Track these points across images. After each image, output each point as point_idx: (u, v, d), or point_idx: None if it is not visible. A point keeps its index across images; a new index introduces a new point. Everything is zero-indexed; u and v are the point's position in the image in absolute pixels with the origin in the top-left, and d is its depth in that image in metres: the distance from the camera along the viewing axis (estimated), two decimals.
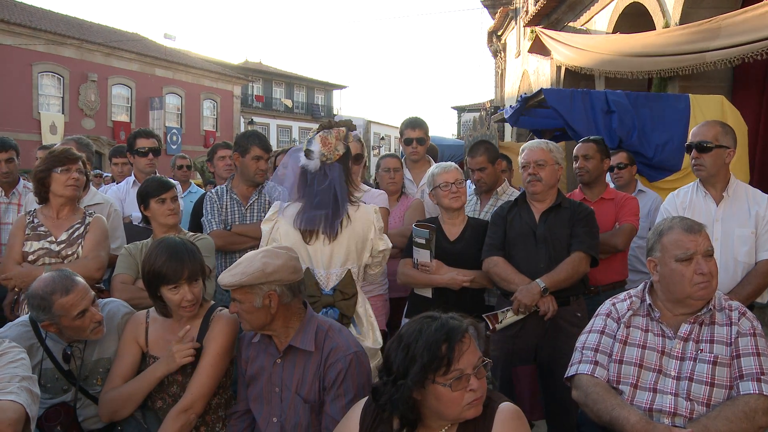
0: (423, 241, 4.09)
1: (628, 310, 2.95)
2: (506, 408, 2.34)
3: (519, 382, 3.84)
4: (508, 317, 3.92)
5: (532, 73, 17.13)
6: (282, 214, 3.54)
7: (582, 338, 2.99)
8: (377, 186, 5.01)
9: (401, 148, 5.66)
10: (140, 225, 4.33)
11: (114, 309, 3.39)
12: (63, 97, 29.98)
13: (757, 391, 2.59)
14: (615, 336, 2.91)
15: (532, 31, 14.23)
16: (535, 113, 8.61)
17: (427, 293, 4.19)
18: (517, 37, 19.88)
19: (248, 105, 44.78)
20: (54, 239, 3.95)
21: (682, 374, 2.74)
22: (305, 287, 3.09)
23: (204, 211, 4.62)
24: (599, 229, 4.11)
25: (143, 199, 4.01)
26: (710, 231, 3.29)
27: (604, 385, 2.81)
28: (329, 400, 2.84)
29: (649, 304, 2.91)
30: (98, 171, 11.47)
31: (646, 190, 5.46)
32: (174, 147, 31.56)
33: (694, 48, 7.40)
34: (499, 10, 21.77)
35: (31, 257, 3.92)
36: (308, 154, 3.49)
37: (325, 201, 3.41)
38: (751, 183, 4.99)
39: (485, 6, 23.59)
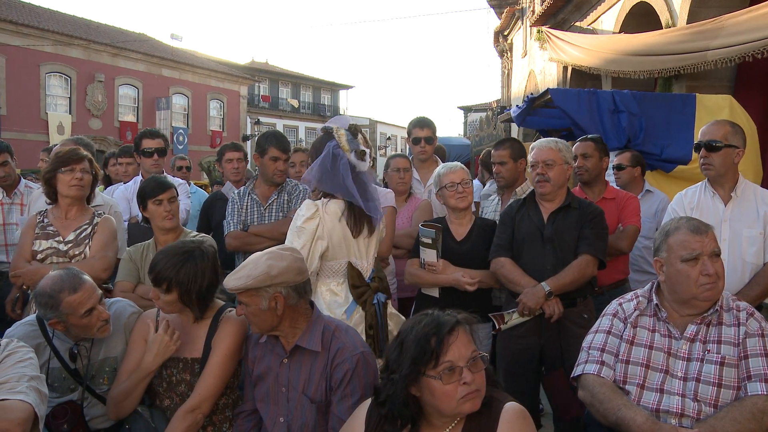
0: (429, 241, 4.09)
1: (635, 310, 2.95)
2: (511, 407, 2.33)
3: (553, 388, 3.84)
4: (514, 318, 3.91)
5: (538, 73, 17.10)
6: (325, 212, 3.60)
7: (588, 338, 2.99)
8: (385, 185, 5.01)
9: (408, 147, 5.67)
10: (145, 225, 4.34)
11: (120, 308, 3.40)
12: (70, 98, 30.08)
13: (765, 392, 2.58)
14: (622, 336, 2.90)
15: (538, 31, 14.23)
16: (541, 113, 8.61)
17: (434, 293, 4.19)
18: (523, 37, 19.85)
19: (255, 105, 44.84)
20: (62, 239, 3.98)
21: (689, 375, 2.73)
22: (311, 288, 3.10)
23: (226, 212, 4.65)
24: (609, 230, 4.08)
25: (142, 199, 4.05)
26: (718, 231, 3.28)
27: (611, 385, 2.80)
28: (336, 400, 2.84)
29: (656, 305, 2.90)
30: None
31: (653, 191, 5.42)
32: (180, 147, 31.64)
33: (696, 47, 7.41)
34: (505, 10, 21.73)
35: (39, 256, 3.95)
36: (362, 155, 3.65)
37: (375, 196, 3.70)
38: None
39: (492, 6, 23.56)
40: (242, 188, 4.83)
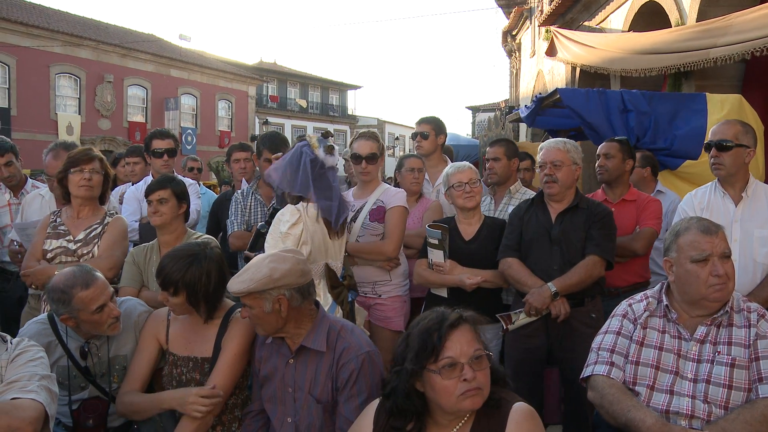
0: (436, 242, 4.09)
1: (645, 311, 2.93)
2: (520, 408, 2.33)
3: (548, 384, 3.84)
4: (521, 318, 3.91)
5: (547, 72, 17.06)
6: (307, 215, 3.62)
7: (598, 339, 2.97)
8: (396, 185, 5.02)
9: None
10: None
11: (130, 307, 3.43)
12: (79, 98, 30.21)
13: None
14: (631, 337, 2.89)
15: (547, 31, 14.18)
16: (550, 113, 8.58)
17: (443, 293, 4.19)
18: (531, 36, 19.80)
19: (263, 105, 44.91)
20: (72, 238, 4.02)
21: (699, 376, 2.71)
22: (314, 289, 3.10)
23: (229, 212, 4.66)
24: (617, 230, 4.07)
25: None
26: (728, 232, 3.25)
27: (620, 387, 2.79)
28: (342, 400, 2.84)
29: (666, 305, 2.88)
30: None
31: (665, 191, 5.39)
32: (189, 147, 31.73)
33: (703, 45, 7.38)
34: (513, 10, 21.68)
35: (49, 255, 3.99)
36: (331, 150, 3.70)
37: (338, 195, 3.72)
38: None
39: (500, 6, 23.50)
40: (245, 188, 4.86)
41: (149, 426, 3.18)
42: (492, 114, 20.06)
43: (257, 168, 4.97)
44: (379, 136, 4.65)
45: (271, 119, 42.74)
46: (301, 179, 3.62)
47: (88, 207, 4.11)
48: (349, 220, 4.43)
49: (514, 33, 23.17)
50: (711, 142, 3.94)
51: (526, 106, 8.90)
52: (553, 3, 13.89)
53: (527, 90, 20.20)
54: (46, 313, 3.39)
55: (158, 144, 5.57)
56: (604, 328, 3.00)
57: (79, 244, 3.99)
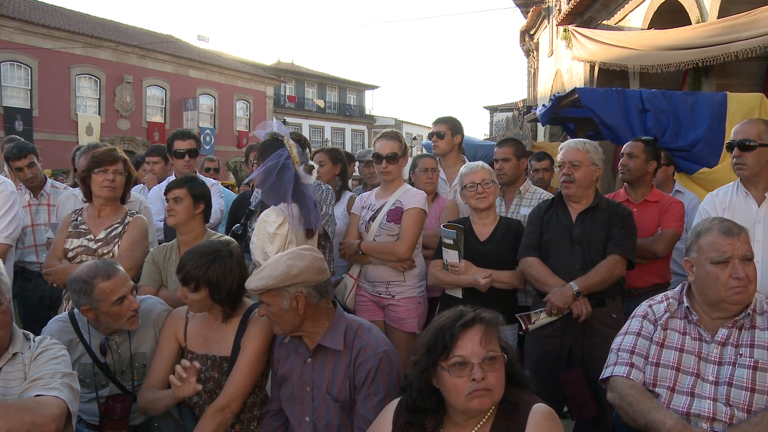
0: (451, 242, 4.07)
1: (665, 312, 2.90)
2: (540, 409, 2.32)
3: (568, 386, 3.81)
4: (542, 318, 3.89)
5: (565, 72, 16.97)
6: (291, 216, 3.77)
7: (618, 340, 2.95)
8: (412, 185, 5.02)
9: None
10: None
11: (150, 305, 3.46)
12: (99, 99, 30.49)
13: None
14: (651, 338, 2.86)
15: (565, 30, 14.12)
16: (568, 113, 8.53)
17: (458, 294, 4.16)
18: (549, 36, 19.72)
19: (281, 105, 45.06)
20: (93, 237, 4.04)
21: (720, 379, 2.68)
22: (332, 287, 3.12)
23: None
24: (637, 231, 4.04)
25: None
26: (751, 233, 3.21)
27: (640, 388, 2.76)
28: (360, 399, 2.85)
29: (687, 307, 2.85)
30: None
31: (683, 191, 5.34)
32: (207, 147, 31.89)
33: (726, 40, 7.29)
34: (531, 9, 21.60)
35: (70, 254, 4.02)
36: (310, 169, 3.91)
37: (311, 207, 3.87)
38: None
39: (517, 5, 23.41)
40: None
41: (169, 423, 3.20)
42: (510, 114, 20.01)
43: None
44: (402, 137, 4.66)
45: (288, 119, 42.82)
46: (283, 192, 3.77)
47: (110, 207, 4.14)
48: (368, 219, 4.45)
49: (531, 32, 23.08)
50: (733, 141, 3.88)
51: (543, 105, 8.85)
52: (572, 2, 13.82)
53: (545, 89, 20.12)
54: (67, 312, 3.43)
55: (180, 145, 5.60)
56: (624, 329, 2.98)
57: (99, 244, 4.02)
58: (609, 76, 11.97)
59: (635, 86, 10.43)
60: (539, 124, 14.96)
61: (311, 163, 3.97)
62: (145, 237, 4.17)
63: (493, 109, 44.01)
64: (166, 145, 5.86)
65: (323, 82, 51.65)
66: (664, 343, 2.83)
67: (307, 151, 4.10)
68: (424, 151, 7.87)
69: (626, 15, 12.22)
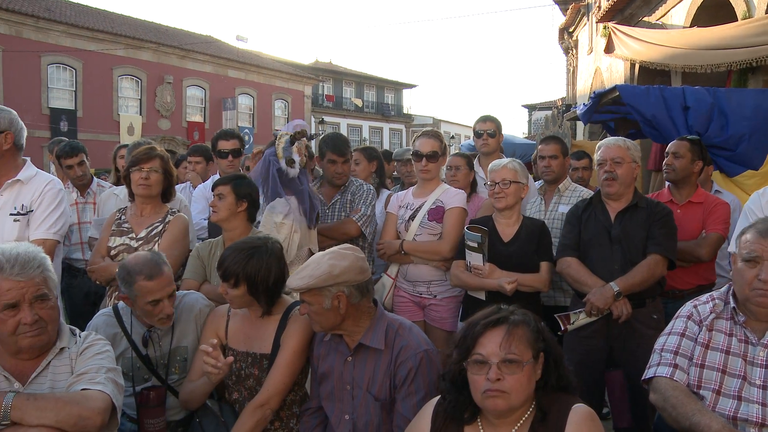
0: (475, 245, 3.99)
1: (711, 312, 2.83)
2: (580, 409, 2.30)
3: (610, 387, 3.76)
4: (581, 319, 3.84)
5: (605, 70, 16.77)
6: (292, 208, 4.16)
7: (661, 340, 2.89)
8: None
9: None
10: None
11: (192, 300, 3.51)
12: (140, 99, 31.01)
13: None
14: (696, 339, 2.80)
15: (605, 27, 13.93)
16: (608, 111, 8.44)
17: (481, 296, 4.08)
18: (589, 33, 19.50)
19: (319, 105, 45.27)
20: (134, 236, 4.10)
21: None
22: (373, 286, 3.13)
23: None
24: (679, 231, 3.97)
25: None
26: None
27: (684, 390, 2.70)
28: (400, 398, 2.85)
29: (734, 308, 2.78)
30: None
31: (722, 191, 5.21)
32: (246, 147, 32.11)
33: None
34: (570, 6, 21.39)
35: (113, 252, 4.09)
36: (291, 163, 4.17)
37: (310, 197, 4.17)
38: None
39: (557, 2, 23.20)
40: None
41: (210, 419, 3.24)
42: (549, 112, 19.83)
43: (315, 168, 5.02)
44: (442, 135, 4.65)
45: (327, 118, 43.05)
46: (271, 187, 4.11)
47: (151, 205, 4.18)
48: (407, 218, 4.45)
49: (571, 30, 22.85)
50: None
51: (584, 103, 8.76)
52: None
53: (584, 87, 19.92)
54: (111, 306, 3.51)
55: (223, 145, 5.66)
56: (667, 329, 2.92)
57: (140, 242, 4.07)
58: (650, 73, 11.78)
59: (677, 84, 10.26)
60: (578, 123, 14.80)
61: (293, 156, 4.18)
62: (185, 235, 4.20)
63: (531, 108, 43.70)
64: (211, 145, 5.93)
65: (361, 81, 51.77)
66: (709, 344, 2.77)
67: (296, 145, 4.24)
68: (460, 150, 7.85)
69: (668, 11, 12.02)
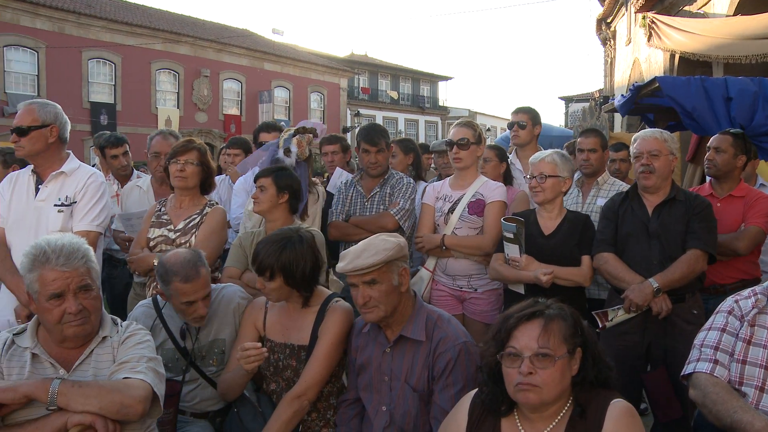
0: (511, 236, 3.93)
1: (753, 308, 2.77)
2: (619, 404, 2.28)
3: (652, 387, 3.71)
4: (619, 315, 3.78)
5: (643, 61, 16.50)
6: None
7: (701, 335, 2.84)
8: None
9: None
10: None
11: (230, 293, 3.55)
12: (178, 93, 31.40)
13: None
14: (737, 335, 2.74)
15: (643, 18, 13.71)
16: (647, 103, 8.30)
17: (520, 289, 4.02)
18: (627, 24, 19.19)
19: (354, 97, 45.34)
20: (173, 227, 4.15)
21: None
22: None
23: (333, 202, 4.81)
24: (717, 222, 3.89)
25: None
26: None
27: (725, 386, 2.65)
28: (438, 389, 2.86)
29: None
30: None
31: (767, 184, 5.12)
32: None
33: None
34: None
35: (151, 243, 4.15)
36: (287, 152, 4.51)
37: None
38: None
39: None
40: (349, 179, 4.92)
41: (248, 409, 3.29)
42: (586, 104, 19.60)
43: (351, 161, 5.06)
44: (475, 125, 4.59)
45: (362, 111, 43.09)
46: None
47: (189, 197, 4.23)
48: (446, 211, 4.43)
49: (608, 20, 22.51)
50: None
51: (622, 95, 8.63)
52: None
53: (622, 79, 19.62)
54: (151, 297, 3.58)
55: (265, 137, 5.69)
56: (707, 325, 2.86)
57: (178, 234, 4.12)
58: (690, 64, 11.54)
59: (719, 75, 10.05)
60: (616, 115, 14.60)
61: (290, 146, 4.52)
62: (222, 227, 4.24)
63: (568, 100, 43.18)
64: (252, 137, 5.98)
65: (397, 73, 51.68)
66: (751, 340, 2.71)
67: (297, 137, 4.63)
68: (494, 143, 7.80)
69: (710, 0, 11.78)
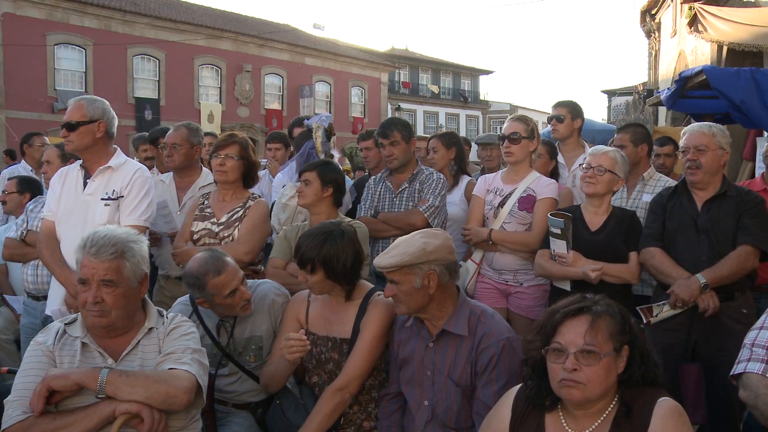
0: (558, 231, 3.87)
1: None
2: (666, 403, 2.24)
3: (684, 380, 3.64)
4: (665, 311, 3.72)
5: (689, 53, 16.15)
6: None
7: (752, 335, 2.75)
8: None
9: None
10: None
11: (265, 290, 3.58)
12: (220, 88, 31.77)
13: None
14: None
15: (690, 8, 13.41)
16: (694, 96, 8.14)
17: (566, 286, 3.96)
18: (673, 14, 18.79)
19: (395, 91, 45.31)
20: (216, 221, 4.20)
21: None
22: (458, 269, 3.12)
23: (361, 197, 4.78)
24: None
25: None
26: None
27: None
28: (481, 385, 2.85)
29: None
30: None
31: None
32: None
33: None
34: None
35: (195, 236, 4.20)
36: (330, 158, 4.75)
37: None
38: None
39: None
40: (378, 174, 4.87)
41: (290, 401, 3.31)
42: (629, 98, 19.28)
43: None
44: (529, 120, 4.52)
45: (403, 105, 43.03)
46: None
47: (232, 190, 4.27)
48: (496, 205, 4.39)
49: (653, 12, 22.08)
50: None
51: (668, 88, 8.46)
52: None
53: (667, 72, 19.25)
54: (188, 295, 3.59)
55: (299, 132, 5.73)
56: (759, 323, 2.78)
57: (221, 227, 4.16)
58: (739, 56, 11.24)
59: None
60: (660, 109, 14.33)
61: (332, 151, 4.77)
62: (265, 221, 4.26)
63: (611, 93, 42.49)
64: (287, 132, 6.01)
65: (437, 67, 51.53)
66: None
67: (333, 139, 4.89)
68: None
69: None
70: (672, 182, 4.55)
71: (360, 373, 3.15)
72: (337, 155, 4.58)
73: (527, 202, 4.30)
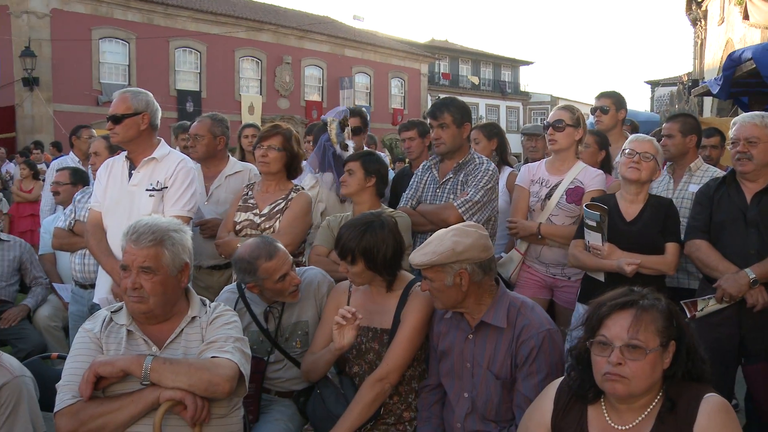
0: (594, 224, 3.78)
1: None
2: (713, 399, 2.20)
3: (750, 379, 3.56)
4: (710, 305, 3.64)
5: (737, 41, 15.74)
6: (323, 181, 4.90)
7: None
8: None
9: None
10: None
11: (312, 276, 3.61)
12: (261, 79, 31.98)
13: None
14: None
15: None
16: (744, 84, 7.94)
17: (600, 277, 3.90)
18: (720, 2, 18.36)
19: (435, 83, 45.13)
20: (258, 212, 4.24)
21: None
22: (495, 264, 3.09)
23: (409, 186, 4.65)
24: None
25: None
26: None
27: None
28: (521, 377, 2.83)
29: None
30: None
31: None
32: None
33: None
34: None
35: (237, 227, 4.25)
36: (345, 147, 4.88)
37: None
38: None
39: None
40: (426, 162, 4.67)
41: (330, 391, 3.32)
42: (674, 88, 18.93)
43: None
44: (575, 109, 4.40)
45: (443, 96, 42.82)
46: (326, 167, 4.90)
47: (275, 182, 4.30)
48: (543, 196, 4.33)
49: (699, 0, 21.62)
50: None
51: (715, 78, 8.27)
52: None
53: (713, 61, 18.80)
54: (235, 283, 3.65)
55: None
56: None
57: (263, 218, 4.20)
58: None
59: None
60: (705, 99, 14.02)
61: (346, 141, 4.90)
62: (306, 213, 4.27)
63: (654, 84, 41.77)
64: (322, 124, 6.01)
65: (477, 58, 51.16)
66: None
67: (347, 129, 5.01)
68: None
69: None
70: (720, 173, 4.44)
71: (400, 363, 3.15)
72: (351, 145, 4.68)
73: (575, 194, 4.23)
